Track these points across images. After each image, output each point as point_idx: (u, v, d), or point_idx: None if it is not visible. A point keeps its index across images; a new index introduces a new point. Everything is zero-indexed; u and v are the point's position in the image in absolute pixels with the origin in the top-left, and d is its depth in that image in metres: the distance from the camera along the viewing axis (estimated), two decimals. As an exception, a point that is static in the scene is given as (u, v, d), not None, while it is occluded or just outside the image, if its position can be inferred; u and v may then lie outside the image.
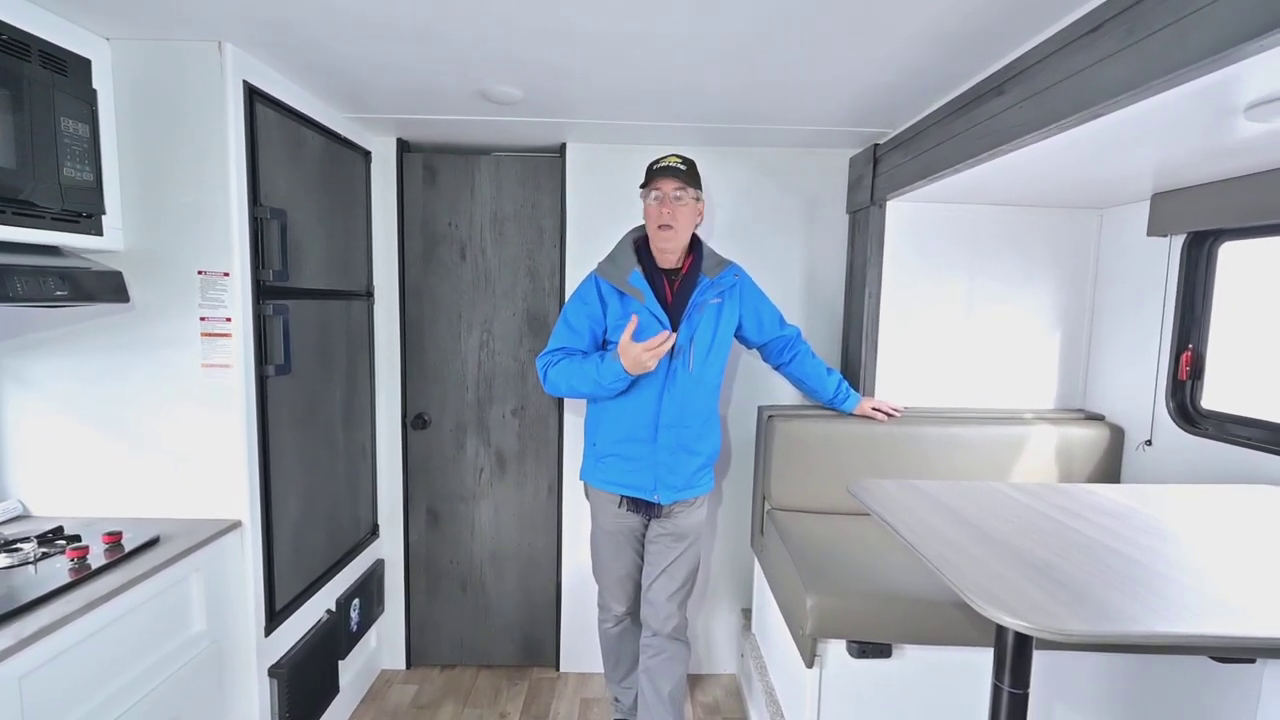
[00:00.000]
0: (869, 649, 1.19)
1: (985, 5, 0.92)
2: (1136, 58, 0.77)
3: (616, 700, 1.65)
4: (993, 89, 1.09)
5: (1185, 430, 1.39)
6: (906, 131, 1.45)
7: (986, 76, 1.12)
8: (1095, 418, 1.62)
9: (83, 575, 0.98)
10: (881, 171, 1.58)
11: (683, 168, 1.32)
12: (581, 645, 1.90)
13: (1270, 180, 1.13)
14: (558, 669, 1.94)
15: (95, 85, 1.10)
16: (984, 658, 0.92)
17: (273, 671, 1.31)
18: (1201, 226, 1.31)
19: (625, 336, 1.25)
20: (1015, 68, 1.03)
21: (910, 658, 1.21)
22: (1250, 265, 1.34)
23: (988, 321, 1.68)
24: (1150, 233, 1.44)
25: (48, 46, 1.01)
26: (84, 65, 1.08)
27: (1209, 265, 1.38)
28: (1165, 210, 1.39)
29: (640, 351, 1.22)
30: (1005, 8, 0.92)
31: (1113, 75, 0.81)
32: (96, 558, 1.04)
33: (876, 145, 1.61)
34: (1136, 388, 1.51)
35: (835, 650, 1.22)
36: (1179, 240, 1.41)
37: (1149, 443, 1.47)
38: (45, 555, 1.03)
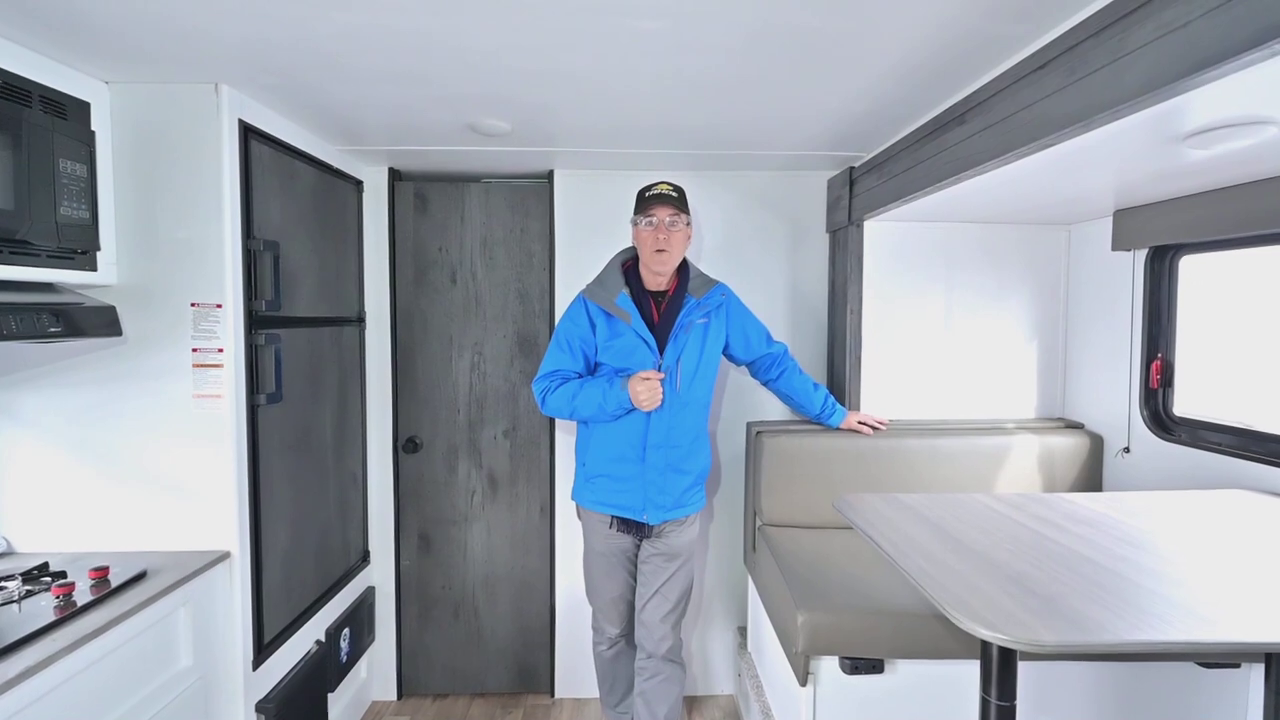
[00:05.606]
0: (861, 665, 1.20)
1: (948, 43, 0.98)
2: (1079, 93, 0.83)
3: (613, 726, 1.63)
4: (955, 118, 1.15)
5: (1160, 437, 1.43)
6: (879, 155, 1.52)
7: (949, 106, 1.19)
8: (1075, 426, 1.66)
9: (68, 613, 0.97)
10: (858, 193, 1.64)
11: (675, 195, 1.37)
12: (577, 670, 1.88)
13: (1221, 198, 1.20)
14: (553, 695, 1.91)
15: (94, 127, 1.14)
16: (974, 670, 0.93)
17: (260, 707, 1.29)
18: (1160, 241, 1.37)
19: (637, 380, 1.31)
20: (974, 99, 1.09)
21: (903, 672, 1.22)
22: (1210, 277, 1.40)
23: (966, 334, 1.72)
24: (1114, 247, 1.50)
25: (48, 92, 1.05)
26: (83, 108, 1.12)
27: (1171, 277, 1.44)
28: (1127, 226, 1.45)
29: (642, 390, 1.29)
30: (965, 45, 0.98)
31: (1060, 108, 0.86)
32: (83, 594, 1.03)
33: (852, 168, 1.67)
34: (1112, 396, 1.55)
35: (828, 667, 1.23)
36: (1142, 254, 1.47)
37: (1127, 450, 1.51)
38: (30, 593, 1.02)
